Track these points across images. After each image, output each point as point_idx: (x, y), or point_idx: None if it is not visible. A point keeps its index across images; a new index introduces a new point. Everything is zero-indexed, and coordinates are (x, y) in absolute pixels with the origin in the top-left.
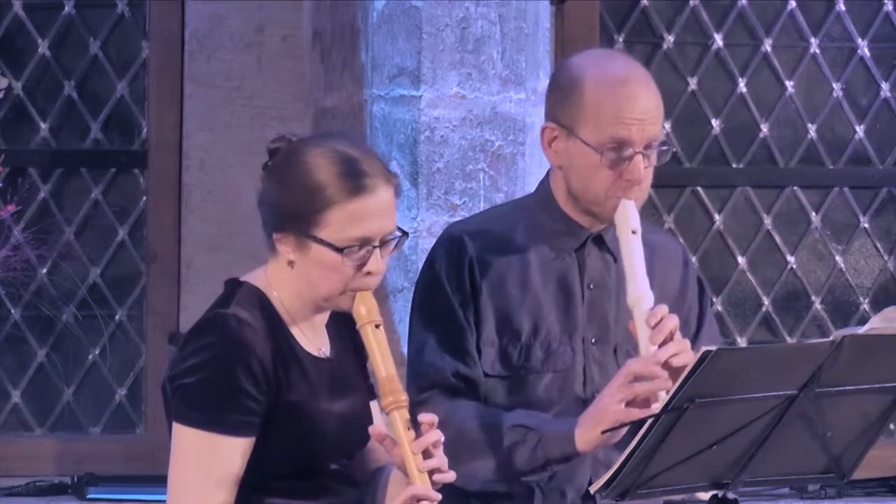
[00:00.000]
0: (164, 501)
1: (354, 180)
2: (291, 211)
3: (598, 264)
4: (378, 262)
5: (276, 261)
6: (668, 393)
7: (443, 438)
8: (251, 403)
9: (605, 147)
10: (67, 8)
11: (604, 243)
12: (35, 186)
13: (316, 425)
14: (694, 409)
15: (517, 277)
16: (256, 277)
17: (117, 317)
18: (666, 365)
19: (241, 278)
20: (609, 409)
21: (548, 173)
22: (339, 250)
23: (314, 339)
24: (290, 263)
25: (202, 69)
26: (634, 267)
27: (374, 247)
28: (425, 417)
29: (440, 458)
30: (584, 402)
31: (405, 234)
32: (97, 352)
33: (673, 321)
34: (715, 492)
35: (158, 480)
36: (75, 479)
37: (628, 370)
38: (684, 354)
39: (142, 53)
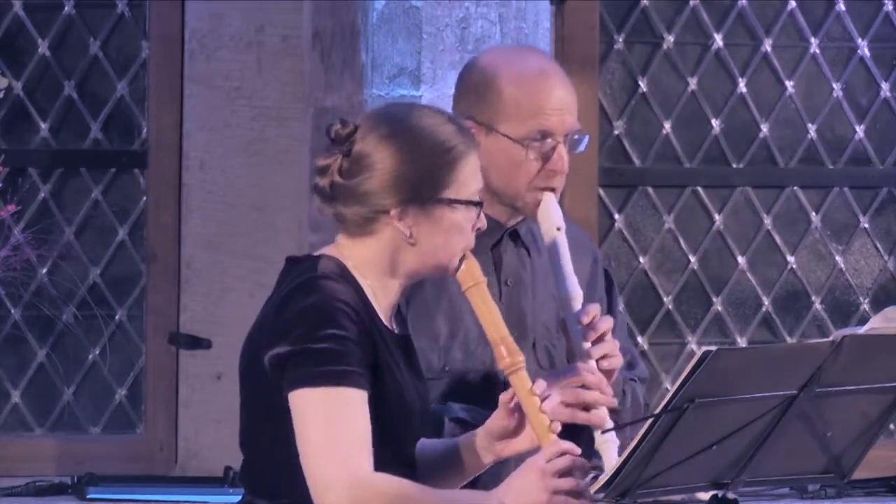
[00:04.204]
0: (164, 502)
1: (468, 133)
2: (423, 176)
3: (513, 260)
4: (483, 217)
5: (354, 241)
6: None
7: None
8: (361, 353)
9: (530, 139)
10: (67, 8)
11: (519, 238)
12: (35, 186)
13: (405, 396)
14: (694, 409)
15: (432, 281)
16: (329, 251)
17: (117, 317)
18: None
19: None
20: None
21: None
22: (476, 204)
23: (388, 317)
24: (409, 239)
25: (202, 69)
26: (563, 266)
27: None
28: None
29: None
30: None
31: None
32: (97, 352)
33: (607, 322)
34: (715, 492)
35: (158, 480)
36: (75, 479)
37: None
38: (614, 359)
39: (142, 53)
